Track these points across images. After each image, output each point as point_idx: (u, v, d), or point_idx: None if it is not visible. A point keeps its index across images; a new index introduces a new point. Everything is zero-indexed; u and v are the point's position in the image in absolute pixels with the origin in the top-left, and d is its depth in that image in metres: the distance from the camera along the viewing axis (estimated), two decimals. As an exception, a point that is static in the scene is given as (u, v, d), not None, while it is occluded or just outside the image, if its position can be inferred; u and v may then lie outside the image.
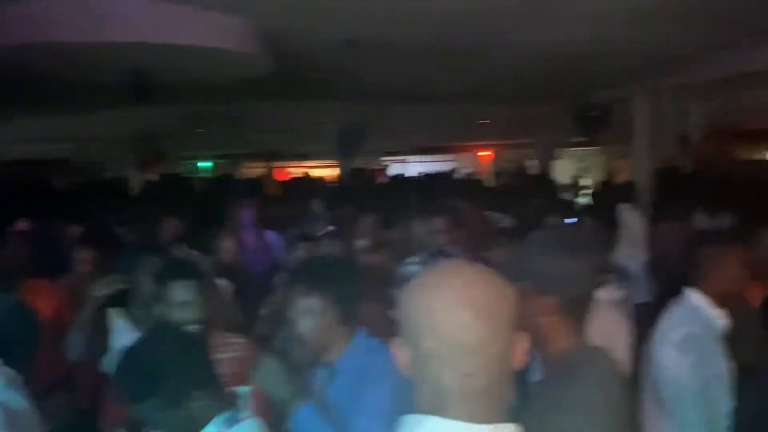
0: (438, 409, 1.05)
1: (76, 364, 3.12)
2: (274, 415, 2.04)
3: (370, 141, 11.56)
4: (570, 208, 5.68)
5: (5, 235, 4.23)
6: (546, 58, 6.75)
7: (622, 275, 3.54)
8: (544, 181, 10.31)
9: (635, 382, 2.61)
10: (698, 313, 2.48)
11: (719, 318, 2.48)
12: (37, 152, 11.69)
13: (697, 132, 8.32)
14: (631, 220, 4.88)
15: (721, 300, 2.51)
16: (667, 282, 3.55)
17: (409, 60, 6.78)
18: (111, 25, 4.47)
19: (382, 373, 1.81)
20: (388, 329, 1.42)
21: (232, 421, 1.62)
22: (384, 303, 2.65)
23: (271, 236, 4.91)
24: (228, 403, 1.66)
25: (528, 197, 6.62)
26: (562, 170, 14.08)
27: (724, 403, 2.43)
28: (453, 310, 1.05)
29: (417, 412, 1.08)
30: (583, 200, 10.08)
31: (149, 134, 10.36)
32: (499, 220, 5.43)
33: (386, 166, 17.33)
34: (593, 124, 9.36)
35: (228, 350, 2.43)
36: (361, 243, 3.87)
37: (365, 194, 8.56)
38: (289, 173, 17.16)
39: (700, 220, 5.95)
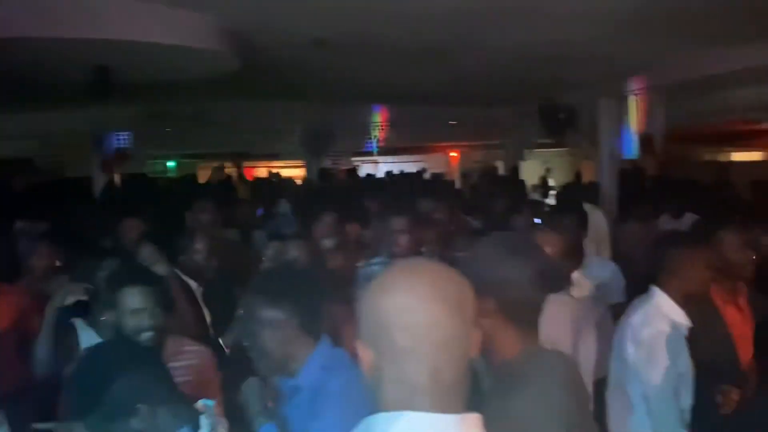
0: (407, 406, 1.05)
1: (40, 373, 3.01)
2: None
3: (340, 141, 11.54)
4: (538, 209, 5.72)
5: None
6: (515, 60, 6.80)
7: (591, 278, 3.57)
8: (512, 182, 10.39)
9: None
10: (663, 313, 2.51)
11: (683, 317, 2.52)
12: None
13: (660, 134, 8.46)
14: (595, 220, 4.94)
15: (685, 299, 2.55)
16: (633, 282, 3.59)
17: (379, 60, 6.76)
18: (72, 21, 4.37)
19: (340, 392, 1.77)
20: (354, 329, 1.39)
21: None
22: (350, 303, 2.61)
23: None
24: (189, 418, 1.59)
25: (496, 198, 6.66)
26: (530, 171, 14.22)
27: (687, 400, 2.47)
28: (427, 306, 1.05)
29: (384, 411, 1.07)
30: (551, 201, 10.18)
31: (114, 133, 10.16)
32: (468, 221, 5.46)
33: (357, 166, 17.30)
34: (560, 125, 9.46)
35: (183, 358, 2.35)
36: (326, 243, 3.84)
37: (333, 194, 8.53)
38: (254, 173, 17.03)
39: (665, 221, 6.06)
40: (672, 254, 2.59)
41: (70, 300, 2.85)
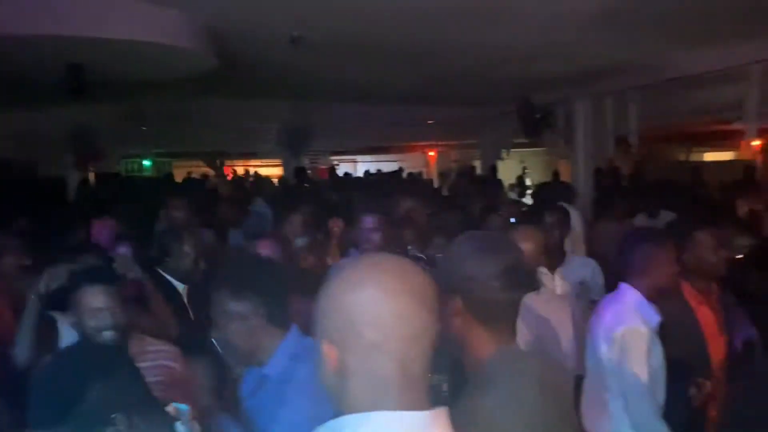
0: (377, 402, 1.03)
1: (20, 365, 2.96)
2: None
3: (318, 140, 11.50)
4: (514, 208, 5.75)
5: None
6: (492, 60, 6.83)
7: (573, 275, 3.60)
8: (488, 181, 10.44)
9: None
10: (634, 309, 2.54)
11: (653, 313, 2.54)
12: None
13: (635, 134, 8.55)
14: (570, 219, 4.97)
15: (655, 295, 2.57)
16: (609, 280, 3.63)
17: (356, 59, 6.75)
18: (45, 17, 4.29)
19: (308, 380, 1.73)
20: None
21: None
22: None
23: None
24: (163, 424, 1.55)
25: (473, 197, 6.69)
26: (507, 171, 14.30)
27: (660, 395, 2.50)
28: (397, 300, 1.04)
29: (351, 412, 1.05)
30: (528, 200, 10.25)
31: (87, 132, 10.00)
32: (445, 219, 5.47)
33: (336, 165, 17.28)
34: (537, 125, 9.53)
35: (148, 358, 2.31)
36: (299, 242, 3.83)
37: (309, 193, 8.51)
38: (231, 172, 16.94)
39: (640, 220, 6.13)
40: (640, 251, 2.61)
41: (53, 285, 2.79)
